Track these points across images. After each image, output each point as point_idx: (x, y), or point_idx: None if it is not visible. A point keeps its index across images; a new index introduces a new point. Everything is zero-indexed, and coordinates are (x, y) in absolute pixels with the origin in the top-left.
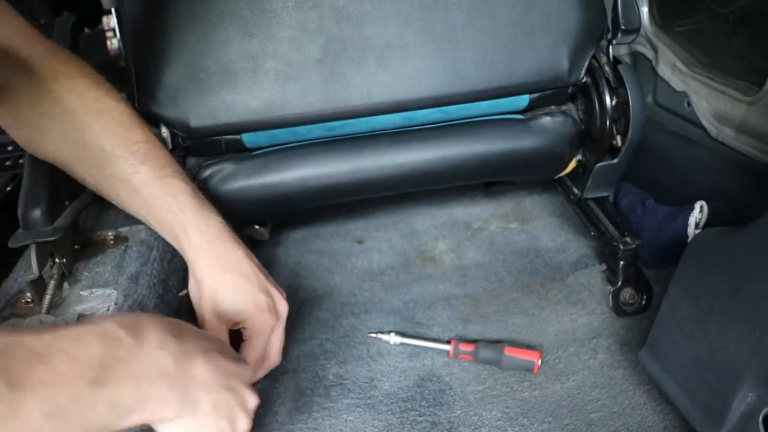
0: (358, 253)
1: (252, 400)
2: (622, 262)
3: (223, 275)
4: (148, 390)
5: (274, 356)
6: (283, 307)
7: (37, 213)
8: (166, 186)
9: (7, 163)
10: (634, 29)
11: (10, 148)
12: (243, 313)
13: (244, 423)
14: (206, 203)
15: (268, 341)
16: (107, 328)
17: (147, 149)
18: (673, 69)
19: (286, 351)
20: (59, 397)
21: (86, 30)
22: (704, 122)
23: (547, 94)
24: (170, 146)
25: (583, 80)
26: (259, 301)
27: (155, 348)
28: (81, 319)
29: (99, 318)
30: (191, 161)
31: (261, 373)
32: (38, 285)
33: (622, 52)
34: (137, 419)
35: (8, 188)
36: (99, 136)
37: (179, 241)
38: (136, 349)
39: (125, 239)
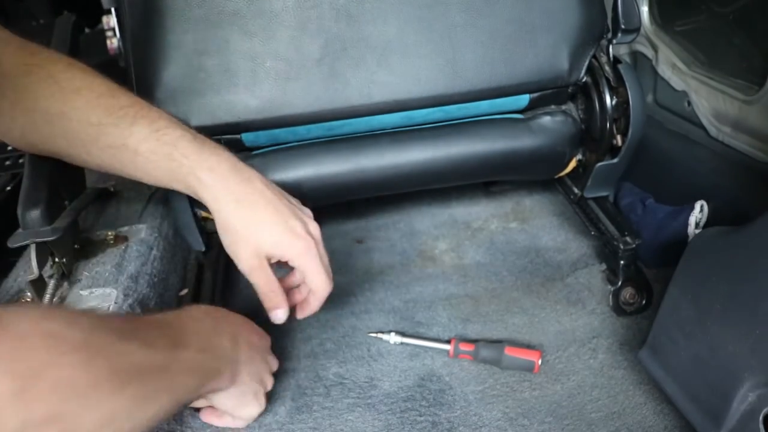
0: (358, 253)
1: (275, 363)
2: (622, 262)
3: (249, 210)
4: (219, 366)
5: (329, 270)
6: (315, 229)
7: (36, 212)
8: (162, 138)
9: (7, 162)
10: (635, 29)
11: (9, 147)
12: (281, 244)
13: (270, 382)
14: (208, 142)
15: (322, 261)
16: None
17: (135, 111)
18: (673, 68)
19: (287, 350)
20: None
21: (86, 30)
22: (704, 122)
23: (547, 93)
24: None
25: (584, 80)
26: (294, 227)
27: (228, 339)
28: None
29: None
30: None
31: (330, 285)
32: (38, 285)
33: (622, 51)
34: (204, 390)
35: (8, 188)
36: (83, 112)
37: (193, 188)
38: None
39: (125, 239)
